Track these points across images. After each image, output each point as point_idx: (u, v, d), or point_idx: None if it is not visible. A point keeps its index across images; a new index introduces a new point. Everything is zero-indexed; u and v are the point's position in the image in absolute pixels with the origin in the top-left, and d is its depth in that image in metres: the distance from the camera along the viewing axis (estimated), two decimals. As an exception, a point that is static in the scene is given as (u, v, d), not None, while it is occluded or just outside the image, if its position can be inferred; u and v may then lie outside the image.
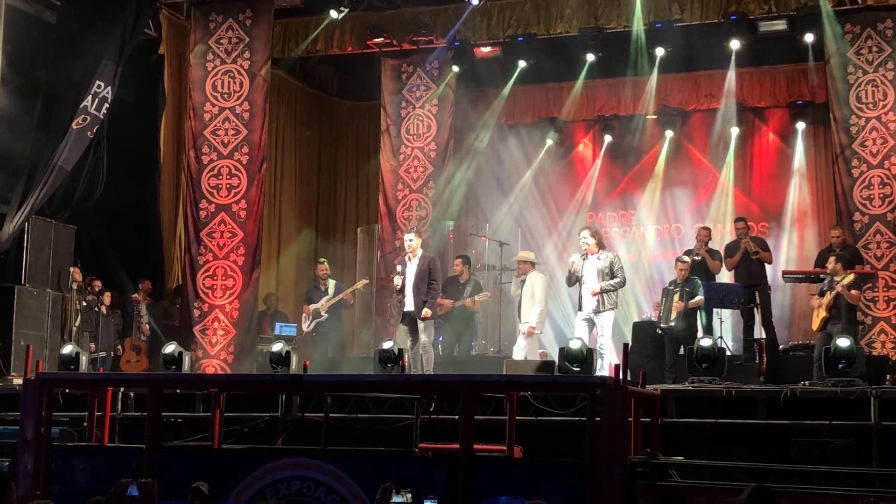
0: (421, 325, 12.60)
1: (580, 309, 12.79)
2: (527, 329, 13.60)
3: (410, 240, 12.96)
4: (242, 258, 15.56)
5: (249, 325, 15.64)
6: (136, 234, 16.81)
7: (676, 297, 13.53)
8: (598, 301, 12.51)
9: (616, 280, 12.54)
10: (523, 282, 13.85)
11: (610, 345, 12.54)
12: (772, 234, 17.65)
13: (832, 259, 12.84)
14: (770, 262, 14.57)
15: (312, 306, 15.40)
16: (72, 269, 14.99)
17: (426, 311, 12.63)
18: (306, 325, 15.46)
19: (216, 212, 15.63)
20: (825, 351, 11.12)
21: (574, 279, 12.80)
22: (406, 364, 11.59)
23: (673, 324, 13.43)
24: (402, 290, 12.82)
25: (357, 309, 17.35)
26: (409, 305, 12.69)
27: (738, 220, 14.91)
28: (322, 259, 16.26)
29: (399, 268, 12.94)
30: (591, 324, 12.61)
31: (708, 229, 15.24)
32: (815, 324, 12.70)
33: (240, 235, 15.59)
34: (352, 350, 17.14)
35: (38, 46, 14.73)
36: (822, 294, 12.75)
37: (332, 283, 15.61)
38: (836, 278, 12.57)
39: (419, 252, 12.91)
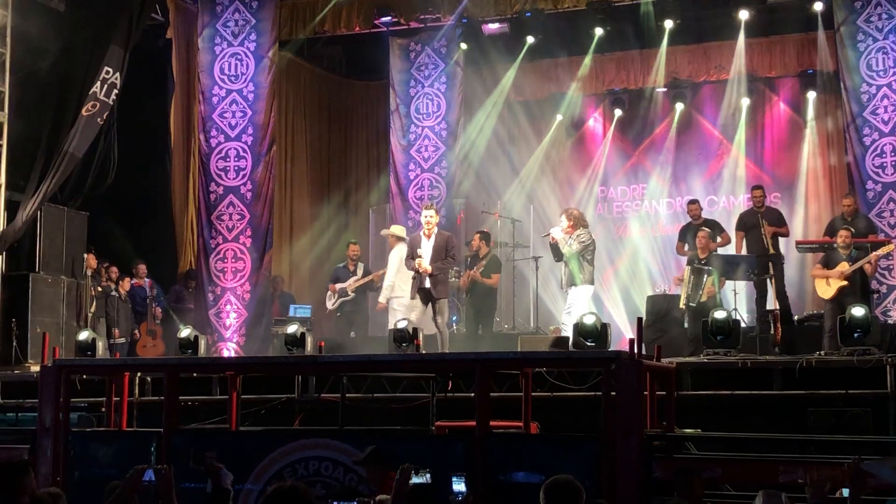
0: (439, 304, 12.52)
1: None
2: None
3: (430, 216, 12.72)
4: (250, 240, 15.60)
5: (263, 308, 15.68)
6: (148, 219, 16.85)
7: (710, 281, 13.30)
8: (568, 275, 12.47)
9: (569, 249, 12.45)
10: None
11: (572, 319, 12.31)
12: (784, 203, 17.57)
13: (846, 233, 12.80)
14: (786, 236, 14.50)
15: (339, 285, 15.39)
16: (86, 255, 15.04)
17: (426, 267, 12.41)
18: (331, 304, 15.48)
19: (224, 194, 15.66)
20: (840, 320, 11.09)
21: (559, 257, 12.80)
22: (420, 343, 11.60)
23: (704, 302, 13.27)
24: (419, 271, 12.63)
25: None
26: (426, 283, 12.55)
27: (755, 188, 14.78)
28: (353, 240, 16.23)
29: (419, 250, 12.59)
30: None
31: (696, 202, 15.23)
32: (829, 293, 12.65)
33: (247, 217, 15.62)
34: (374, 331, 17.13)
35: (47, 34, 14.74)
36: (826, 264, 12.71)
37: (361, 265, 15.60)
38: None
39: (435, 230, 12.77)
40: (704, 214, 15.29)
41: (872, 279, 13.26)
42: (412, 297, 12.85)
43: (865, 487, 6.09)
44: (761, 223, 13.97)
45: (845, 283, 12.50)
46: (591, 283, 12.74)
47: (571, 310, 12.36)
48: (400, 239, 14.11)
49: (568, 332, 12.04)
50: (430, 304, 12.61)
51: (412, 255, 12.66)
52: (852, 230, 13.00)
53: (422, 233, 12.75)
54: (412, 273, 12.83)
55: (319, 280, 17.86)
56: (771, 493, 4.72)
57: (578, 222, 12.73)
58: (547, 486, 5.45)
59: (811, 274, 13.32)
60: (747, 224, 14.29)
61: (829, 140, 17.71)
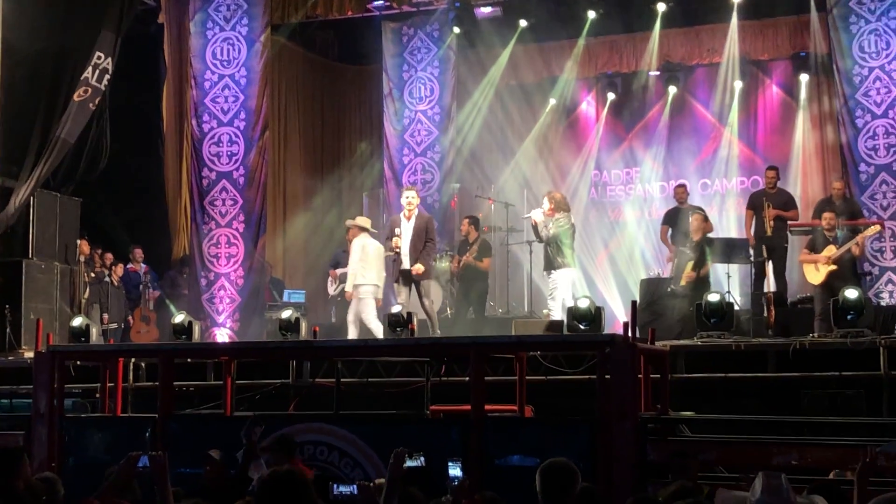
0: (423, 287, 12.53)
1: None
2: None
3: (411, 197, 12.78)
4: (243, 225, 15.59)
5: (257, 293, 15.68)
6: (141, 204, 16.83)
7: (690, 266, 13.37)
8: (548, 258, 12.48)
9: (546, 233, 12.44)
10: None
11: (558, 304, 12.35)
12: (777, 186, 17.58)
13: (830, 215, 12.79)
14: (796, 220, 14.24)
15: (339, 271, 15.38)
16: (79, 241, 15.02)
17: (417, 267, 12.52)
18: (332, 289, 15.46)
19: (217, 179, 15.66)
20: (833, 303, 11.10)
21: (541, 238, 12.78)
22: (415, 328, 11.62)
23: (683, 287, 13.36)
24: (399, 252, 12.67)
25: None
26: (407, 264, 12.58)
27: (769, 168, 14.69)
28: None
29: (397, 230, 12.69)
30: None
31: (684, 185, 15.25)
32: (819, 278, 12.61)
33: (241, 202, 15.61)
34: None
35: (39, 19, 14.68)
36: (813, 248, 12.71)
37: None
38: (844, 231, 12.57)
39: (416, 211, 12.76)
40: (698, 198, 15.30)
41: (864, 261, 13.28)
42: (395, 281, 12.83)
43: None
44: (765, 205, 13.97)
45: (834, 267, 12.47)
46: (571, 266, 12.73)
47: (555, 294, 12.37)
48: (363, 230, 14.09)
49: (555, 315, 12.08)
50: (412, 287, 12.59)
51: (390, 236, 12.68)
52: (837, 212, 13.00)
53: (402, 214, 12.77)
54: (378, 260, 13.08)
55: (313, 265, 17.87)
56: (771, 475, 4.71)
57: (559, 206, 12.70)
58: (543, 469, 5.46)
59: (799, 259, 13.27)
60: (755, 204, 14.27)
61: (821, 122, 17.68)
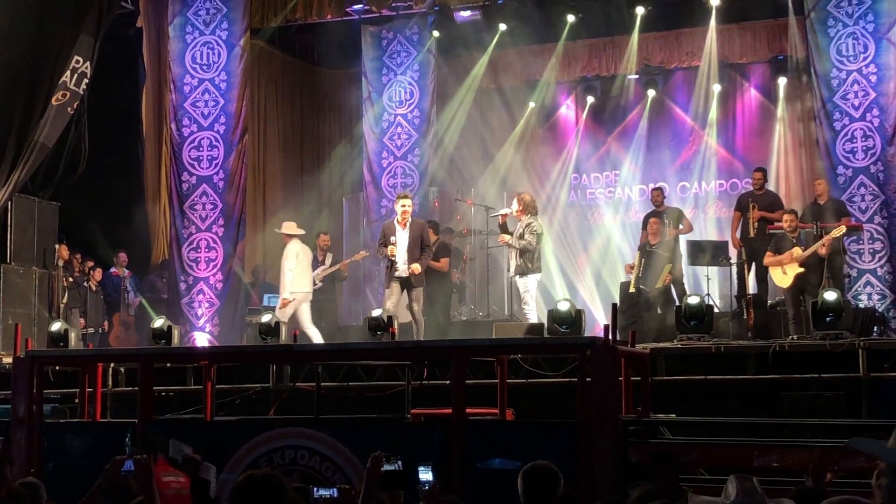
0: (414, 292, 12.48)
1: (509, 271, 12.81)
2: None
3: (406, 206, 12.60)
4: (223, 229, 15.56)
5: (236, 297, 15.65)
6: (120, 208, 16.76)
7: (668, 269, 13.49)
8: (517, 264, 12.42)
9: (521, 241, 12.40)
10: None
11: (532, 307, 12.37)
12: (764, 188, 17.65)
13: (789, 217, 12.83)
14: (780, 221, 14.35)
15: (317, 271, 15.33)
16: (58, 246, 14.96)
17: (415, 266, 12.42)
18: None
19: (197, 184, 15.63)
20: (812, 305, 11.15)
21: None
22: (395, 331, 11.61)
23: (658, 289, 13.49)
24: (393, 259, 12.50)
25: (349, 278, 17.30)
26: (404, 272, 12.46)
27: (756, 170, 14.77)
28: (323, 231, 16.14)
29: (393, 238, 12.49)
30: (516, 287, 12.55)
31: (660, 189, 15.31)
32: (786, 281, 12.62)
33: (220, 206, 15.58)
34: (343, 320, 17.11)
35: (16, 23, 14.61)
36: (777, 250, 12.73)
37: (330, 255, 15.55)
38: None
39: (409, 219, 12.67)
40: (676, 201, 15.34)
41: (844, 263, 13.34)
42: (386, 287, 12.79)
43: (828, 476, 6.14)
44: (751, 206, 14.02)
45: (801, 269, 12.49)
46: (540, 271, 12.76)
47: (527, 298, 12.39)
48: (292, 236, 14.14)
49: (532, 319, 12.10)
50: (405, 292, 12.56)
51: (384, 243, 12.58)
52: (797, 213, 13.03)
53: (395, 221, 12.64)
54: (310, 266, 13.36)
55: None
56: (743, 477, 4.73)
57: (528, 208, 12.72)
58: (525, 472, 5.47)
59: (764, 262, 13.28)
60: (742, 206, 14.34)
61: (800, 126, 17.77)
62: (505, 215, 12.77)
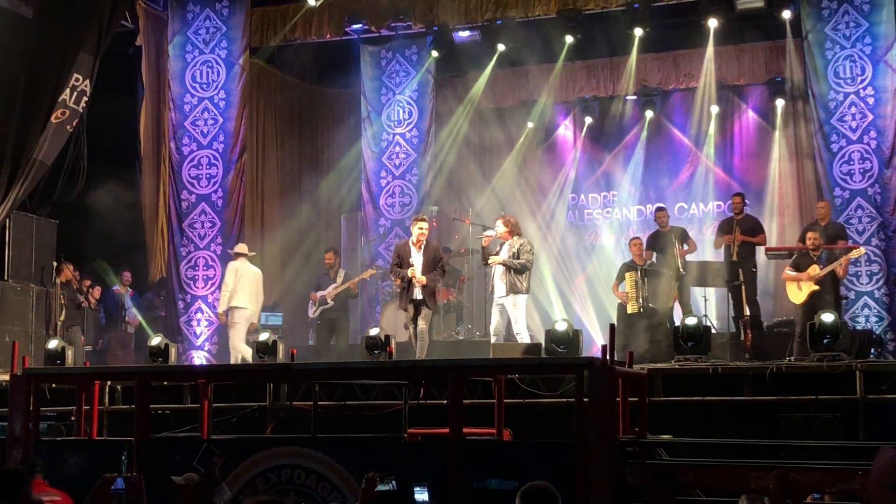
0: (423, 311, 12.39)
1: (493, 292, 12.67)
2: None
3: (423, 228, 12.44)
4: (221, 248, 15.56)
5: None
6: (118, 227, 16.75)
7: (677, 286, 13.61)
8: (506, 285, 12.32)
9: (518, 260, 12.31)
10: None
11: (524, 327, 12.36)
12: (753, 211, 17.64)
13: (814, 235, 12.88)
14: (761, 245, 14.38)
15: (319, 293, 15.33)
16: (62, 264, 14.97)
17: (421, 278, 12.26)
18: (312, 312, 15.43)
19: (197, 202, 15.66)
20: (810, 326, 11.16)
21: (486, 260, 12.61)
22: (393, 350, 11.58)
23: (669, 308, 13.56)
24: (409, 282, 12.34)
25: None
26: (418, 294, 12.29)
27: (735, 195, 14.83)
28: (327, 248, 16.12)
29: (411, 259, 12.32)
30: (504, 308, 12.41)
31: (664, 209, 15.36)
32: (800, 297, 12.70)
33: (219, 224, 15.60)
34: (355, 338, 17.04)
35: (15, 41, 14.61)
36: (797, 267, 12.78)
37: (343, 272, 15.48)
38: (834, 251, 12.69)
39: (425, 241, 12.47)
40: (674, 221, 15.36)
41: (842, 284, 13.37)
42: (403, 308, 12.67)
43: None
44: (734, 230, 14.05)
45: (816, 287, 12.56)
46: (529, 291, 12.69)
47: (518, 317, 12.31)
48: (240, 255, 14.41)
49: (525, 339, 12.07)
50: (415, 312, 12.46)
51: (399, 264, 12.49)
52: (820, 232, 13.08)
53: (411, 242, 12.48)
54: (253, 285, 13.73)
55: (291, 288, 17.80)
56: (754, 498, 4.73)
57: (515, 229, 12.65)
58: (523, 493, 5.45)
59: (782, 276, 13.34)
60: (724, 230, 14.38)
61: (797, 147, 17.81)
62: (489, 237, 12.63)
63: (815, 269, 12.63)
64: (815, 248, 12.82)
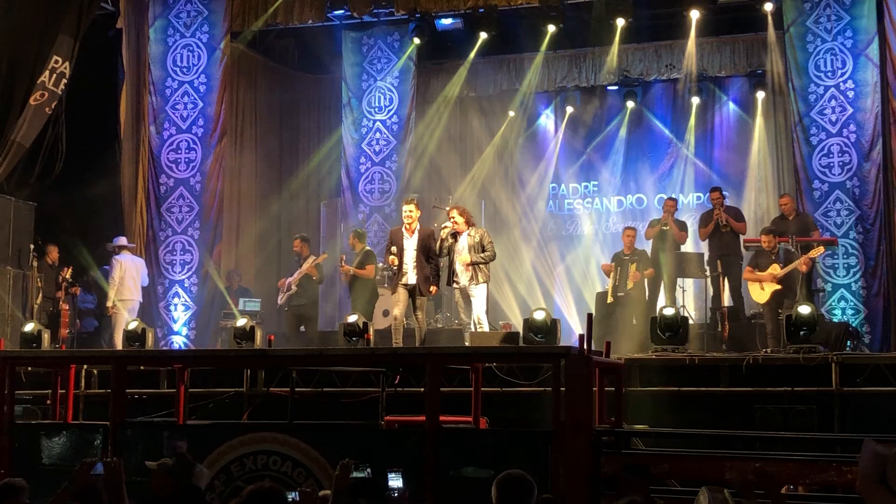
0: (419, 301, 12.35)
1: (449, 283, 12.58)
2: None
3: (411, 211, 12.36)
4: (199, 232, 15.51)
5: (212, 301, 15.59)
6: (97, 209, 16.66)
7: (633, 267, 13.72)
8: (471, 274, 12.25)
9: (486, 253, 12.28)
10: None
11: (485, 316, 12.27)
12: (732, 203, 17.71)
13: (767, 238, 12.88)
14: (744, 233, 14.43)
15: (288, 280, 15.26)
16: (50, 246, 14.93)
17: (434, 288, 12.40)
18: (280, 299, 15.37)
19: (175, 186, 15.59)
20: (787, 318, 11.20)
21: (444, 251, 12.49)
22: (371, 337, 11.58)
23: (629, 292, 13.69)
24: (399, 266, 12.28)
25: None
26: (412, 279, 12.21)
27: (713, 189, 14.89)
28: (295, 235, 16.05)
29: (394, 248, 12.28)
30: (467, 296, 12.33)
31: (675, 200, 15.43)
32: (763, 297, 12.69)
33: (196, 209, 15.54)
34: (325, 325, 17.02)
35: (-6, 22, 14.55)
36: (756, 266, 12.80)
37: (311, 258, 15.36)
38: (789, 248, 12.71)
39: (417, 225, 12.42)
40: (655, 212, 15.39)
41: (817, 278, 13.42)
42: (392, 293, 12.60)
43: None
44: (717, 220, 14.16)
45: (778, 286, 12.57)
46: (489, 280, 12.63)
47: (480, 305, 12.17)
48: (123, 248, 14.71)
49: (486, 327, 12.04)
50: (411, 299, 12.41)
51: (391, 251, 12.45)
52: (775, 232, 13.07)
53: (403, 228, 12.40)
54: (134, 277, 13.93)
55: (269, 274, 17.76)
56: (714, 489, 4.76)
57: (470, 219, 12.61)
58: (499, 481, 5.45)
59: (744, 276, 13.37)
60: (706, 221, 14.44)
61: (777, 140, 17.86)
62: (448, 229, 12.45)
63: (775, 269, 12.61)
64: (771, 250, 12.78)
